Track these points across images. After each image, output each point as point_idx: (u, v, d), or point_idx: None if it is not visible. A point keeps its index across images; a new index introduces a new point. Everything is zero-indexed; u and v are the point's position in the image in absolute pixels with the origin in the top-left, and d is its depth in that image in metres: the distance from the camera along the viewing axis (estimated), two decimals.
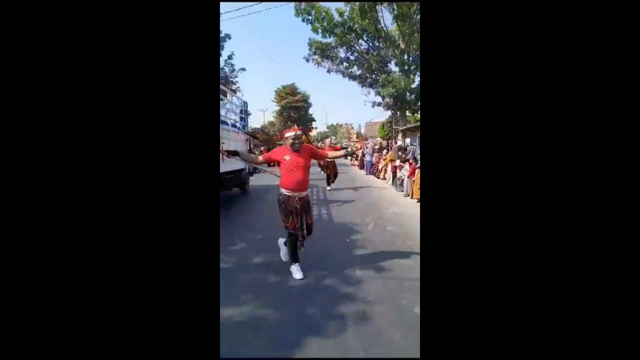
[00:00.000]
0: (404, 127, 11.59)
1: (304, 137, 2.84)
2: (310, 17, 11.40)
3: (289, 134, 2.51)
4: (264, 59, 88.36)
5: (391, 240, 3.25)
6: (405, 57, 11.44)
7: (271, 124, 29.74)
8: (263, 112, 34.15)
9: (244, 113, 6.36)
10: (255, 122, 29.12)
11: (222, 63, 15.46)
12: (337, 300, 1.97)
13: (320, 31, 11.59)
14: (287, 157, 2.48)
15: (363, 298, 2.02)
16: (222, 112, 4.90)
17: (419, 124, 11.05)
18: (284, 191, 2.50)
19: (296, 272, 2.46)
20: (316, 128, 34.72)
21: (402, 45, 11.44)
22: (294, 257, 2.53)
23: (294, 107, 29.06)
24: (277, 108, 29.58)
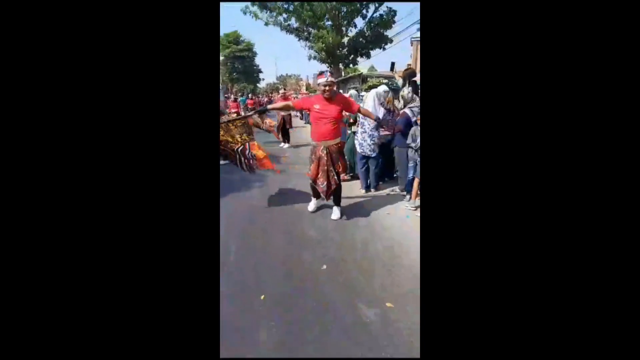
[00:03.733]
0: (338, 79, 13.17)
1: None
2: None
3: (320, 80, 2.56)
4: None
5: None
6: (338, 12, 12.61)
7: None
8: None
9: None
10: None
11: None
12: None
13: None
14: (316, 106, 2.53)
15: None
16: None
17: (351, 75, 12.69)
18: (312, 142, 2.71)
19: (311, 204, 3.00)
20: (263, 79, 34.56)
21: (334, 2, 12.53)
22: (313, 194, 2.97)
23: (238, 57, 28.50)
24: (221, 58, 28.72)
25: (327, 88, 2.49)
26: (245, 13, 13.82)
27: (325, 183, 2.68)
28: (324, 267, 2.14)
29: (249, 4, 13.54)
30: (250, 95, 16.85)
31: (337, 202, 2.90)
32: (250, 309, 1.73)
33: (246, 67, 29.47)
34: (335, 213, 2.88)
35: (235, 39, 28.43)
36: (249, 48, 29.20)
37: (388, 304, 1.76)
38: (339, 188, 2.78)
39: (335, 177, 2.71)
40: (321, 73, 2.64)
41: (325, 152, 2.62)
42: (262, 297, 1.82)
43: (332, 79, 2.54)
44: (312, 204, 3.02)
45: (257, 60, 31.15)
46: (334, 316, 1.67)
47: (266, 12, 13.82)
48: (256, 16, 13.85)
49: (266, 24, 14.18)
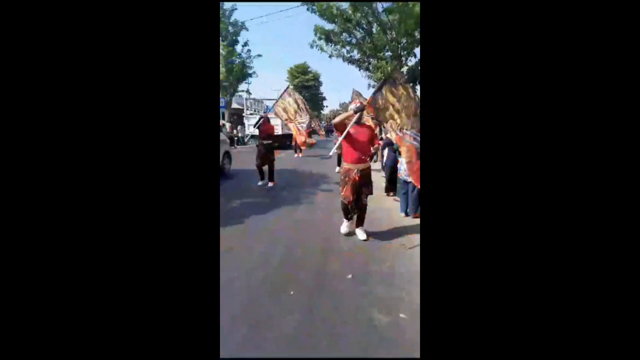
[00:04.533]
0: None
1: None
2: (315, 7, 13.25)
3: (352, 106, 2.82)
4: (278, 44, 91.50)
5: None
6: (398, 44, 13.12)
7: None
8: (278, 91, 35.98)
9: None
10: (270, 101, 31.19)
11: (239, 49, 17.46)
12: None
13: (326, 17, 13.45)
14: (352, 130, 2.76)
15: None
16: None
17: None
18: (345, 164, 2.88)
19: (344, 227, 3.07)
20: (327, 107, 36.38)
21: (394, 34, 13.11)
22: (345, 216, 3.05)
23: (306, 87, 30.65)
24: (290, 87, 31.18)
25: (359, 113, 2.75)
26: (312, 47, 15.20)
27: (357, 205, 2.94)
28: (350, 276, 2.40)
29: (315, 38, 14.88)
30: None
31: (361, 223, 3.10)
32: (280, 300, 2.08)
33: (312, 95, 31.51)
34: (362, 234, 3.06)
35: (304, 69, 30.84)
36: (316, 78, 31.31)
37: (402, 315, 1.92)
38: (364, 210, 3.05)
39: (365, 200, 2.97)
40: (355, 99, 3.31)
41: (358, 175, 2.84)
42: (292, 292, 2.17)
43: (360, 105, 2.79)
44: (344, 226, 3.14)
45: (322, 89, 33.13)
46: (349, 316, 1.92)
47: (331, 45, 14.98)
48: (322, 49, 15.11)
49: (330, 56, 15.32)
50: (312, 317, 1.88)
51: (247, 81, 18.35)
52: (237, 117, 19.36)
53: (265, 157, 5.43)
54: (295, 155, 10.84)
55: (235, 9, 16.59)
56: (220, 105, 16.91)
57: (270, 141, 5.52)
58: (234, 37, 16.80)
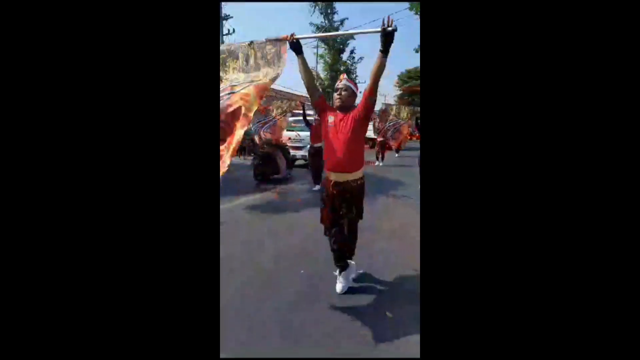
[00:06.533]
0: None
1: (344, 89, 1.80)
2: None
3: (338, 84, 1.84)
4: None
5: None
6: None
7: (390, 108, 30.92)
8: (384, 96, 35.60)
9: None
10: (376, 105, 31.15)
11: (346, 56, 18.30)
12: None
13: None
14: (330, 119, 1.80)
15: None
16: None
17: None
18: (325, 172, 1.87)
19: (338, 284, 1.97)
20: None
21: None
22: (336, 261, 1.95)
23: (417, 91, 29.24)
24: (399, 92, 30.43)
25: (341, 95, 1.80)
26: (417, 52, 14.54)
27: (335, 237, 1.87)
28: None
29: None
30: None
31: (342, 266, 1.99)
32: (293, 279, 2.20)
33: None
34: (341, 283, 1.98)
35: (417, 74, 29.51)
36: None
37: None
38: (347, 245, 1.92)
39: (347, 227, 1.85)
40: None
41: (336, 190, 1.79)
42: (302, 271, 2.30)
43: (349, 84, 1.84)
44: (339, 283, 1.99)
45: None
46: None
47: None
48: None
49: None
50: (311, 281, 2.00)
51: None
52: None
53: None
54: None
55: (347, 18, 17.39)
56: None
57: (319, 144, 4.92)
58: (341, 46, 17.69)
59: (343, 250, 1.91)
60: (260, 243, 2.90)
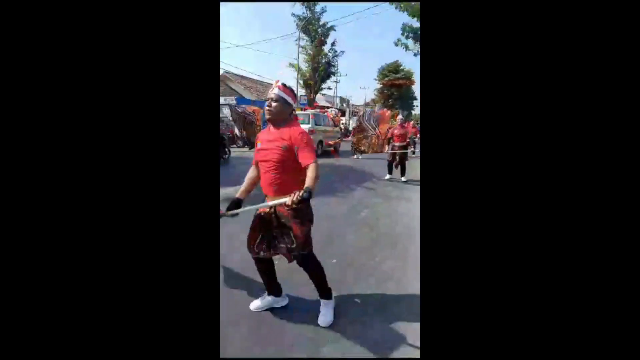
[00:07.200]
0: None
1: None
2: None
3: (269, 92, 1.54)
4: (369, 37, 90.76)
5: None
6: None
7: (373, 101, 31.39)
8: (365, 90, 36.02)
9: None
10: (358, 99, 31.47)
11: (327, 48, 18.33)
12: None
13: (415, 16, 12.93)
14: (261, 137, 1.60)
15: None
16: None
17: None
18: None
19: (255, 301, 1.77)
20: (417, 106, 34.68)
21: None
22: (265, 284, 1.75)
23: (396, 85, 29.83)
24: (379, 86, 30.87)
25: (271, 107, 1.51)
26: (396, 45, 14.80)
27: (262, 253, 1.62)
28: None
29: (401, 37, 14.44)
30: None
31: (276, 292, 1.80)
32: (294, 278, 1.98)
33: (402, 94, 30.48)
34: (324, 314, 1.72)
35: (395, 68, 30.04)
36: (408, 77, 30.12)
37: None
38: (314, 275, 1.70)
39: (293, 256, 1.59)
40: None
41: (270, 212, 1.57)
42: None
43: (282, 93, 1.52)
44: (257, 300, 1.80)
45: (414, 88, 31.68)
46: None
47: (417, 44, 14.30)
48: (407, 47, 14.57)
49: (415, 54, 14.64)
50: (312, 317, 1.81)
51: (334, 79, 19.13)
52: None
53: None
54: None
55: (325, 11, 17.48)
56: (301, 102, 18.08)
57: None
58: (323, 38, 17.70)
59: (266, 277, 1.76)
60: None
